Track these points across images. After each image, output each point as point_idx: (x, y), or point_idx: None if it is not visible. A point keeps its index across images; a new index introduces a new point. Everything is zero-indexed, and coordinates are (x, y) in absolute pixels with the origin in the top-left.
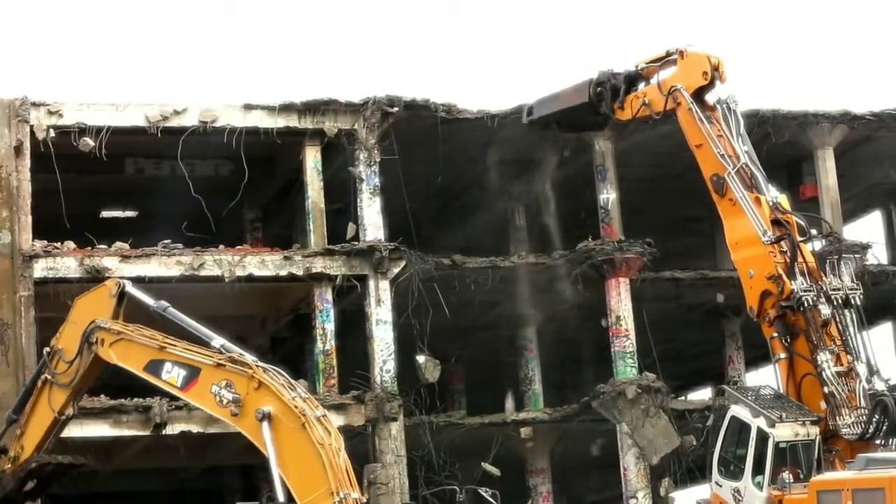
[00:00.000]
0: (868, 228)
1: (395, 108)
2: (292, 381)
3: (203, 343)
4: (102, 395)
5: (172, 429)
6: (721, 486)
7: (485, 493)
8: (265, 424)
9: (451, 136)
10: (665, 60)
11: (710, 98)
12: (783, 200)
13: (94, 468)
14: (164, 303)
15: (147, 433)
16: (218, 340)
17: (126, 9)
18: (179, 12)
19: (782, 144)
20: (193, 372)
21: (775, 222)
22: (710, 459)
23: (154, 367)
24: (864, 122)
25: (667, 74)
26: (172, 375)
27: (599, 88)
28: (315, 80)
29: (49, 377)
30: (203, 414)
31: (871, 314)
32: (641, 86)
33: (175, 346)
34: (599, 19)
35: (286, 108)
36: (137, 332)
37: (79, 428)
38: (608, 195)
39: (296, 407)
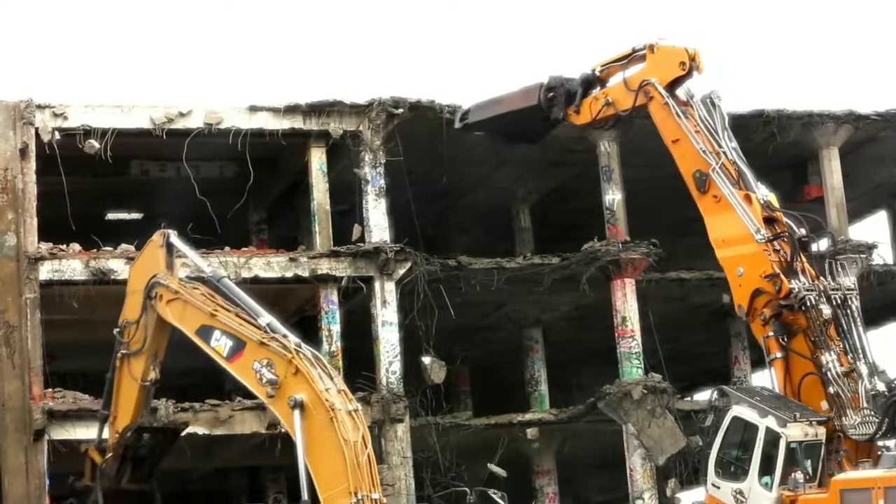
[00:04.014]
0: (873, 228)
1: (401, 110)
2: (332, 370)
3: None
4: None
5: None
6: (719, 487)
7: (494, 494)
8: (296, 413)
9: (456, 137)
10: (630, 58)
11: (683, 93)
12: (773, 199)
13: None
14: (220, 272)
15: None
16: (265, 318)
17: (130, 11)
18: (184, 14)
19: (787, 144)
20: (239, 344)
21: (766, 221)
22: (705, 460)
23: (205, 332)
24: (869, 122)
25: (633, 72)
26: (220, 344)
27: (551, 93)
28: (320, 81)
29: (124, 352)
30: (209, 415)
31: (877, 314)
32: (598, 89)
33: (226, 314)
34: (600, 19)
35: (291, 110)
36: (194, 293)
37: (85, 430)
38: (613, 196)
39: (326, 400)
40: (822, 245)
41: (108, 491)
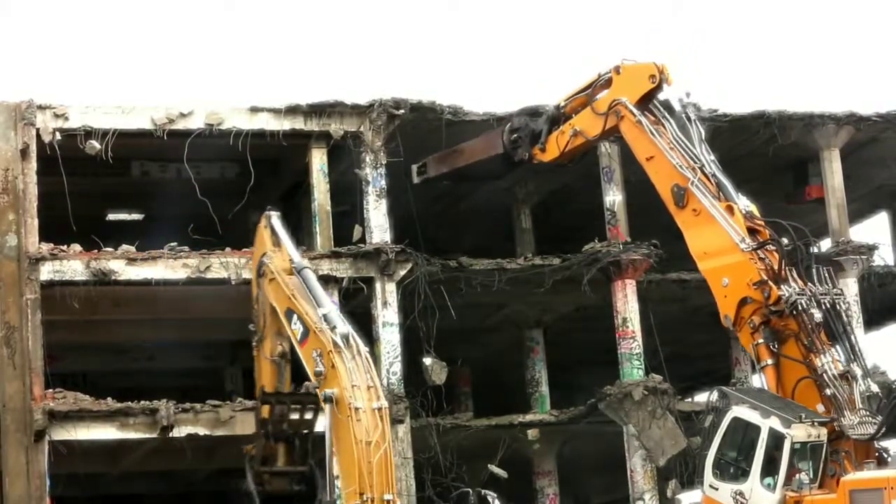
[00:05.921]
0: (874, 229)
1: (401, 111)
2: (369, 364)
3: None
4: (109, 398)
5: (179, 431)
6: (717, 489)
7: (487, 494)
8: (328, 407)
9: (456, 138)
10: (595, 86)
11: (654, 112)
12: (754, 209)
13: (100, 471)
14: (305, 262)
15: (154, 436)
16: (324, 309)
17: (131, 11)
18: (184, 14)
19: (788, 145)
20: (307, 331)
21: (748, 231)
22: (701, 461)
23: (290, 314)
24: (870, 123)
25: (599, 98)
26: (296, 328)
27: (515, 135)
28: (321, 82)
29: (255, 339)
30: (210, 416)
31: (878, 315)
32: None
33: (301, 300)
34: (599, 19)
35: (292, 111)
36: (286, 277)
37: (86, 430)
38: (614, 197)
39: (349, 399)
40: (807, 251)
41: (261, 474)
